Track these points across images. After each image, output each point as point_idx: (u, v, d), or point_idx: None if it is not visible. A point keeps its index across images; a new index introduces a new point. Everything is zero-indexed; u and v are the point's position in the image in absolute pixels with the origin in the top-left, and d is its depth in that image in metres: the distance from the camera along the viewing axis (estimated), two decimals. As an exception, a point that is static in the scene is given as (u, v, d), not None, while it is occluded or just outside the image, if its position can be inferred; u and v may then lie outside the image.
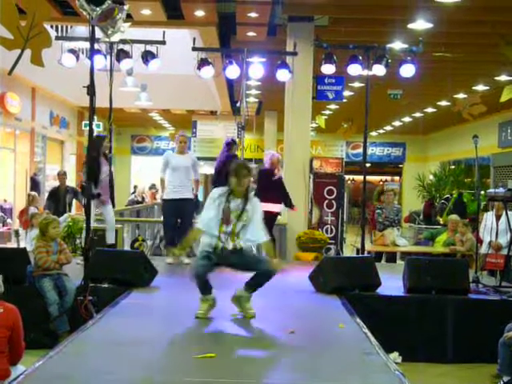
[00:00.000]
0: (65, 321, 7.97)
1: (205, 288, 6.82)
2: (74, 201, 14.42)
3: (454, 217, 13.29)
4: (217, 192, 6.84)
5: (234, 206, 6.73)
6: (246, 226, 6.78)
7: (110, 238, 10.60)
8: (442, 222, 16.96)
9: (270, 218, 11.22)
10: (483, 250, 10.61)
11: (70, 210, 13.76)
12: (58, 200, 13.65)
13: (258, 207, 6.90)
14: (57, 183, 14.48)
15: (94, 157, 10.19)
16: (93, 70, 7.87)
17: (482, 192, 12.27)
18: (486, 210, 12.40)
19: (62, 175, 14.19)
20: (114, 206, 10.93)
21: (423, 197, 24.65)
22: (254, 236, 6.89)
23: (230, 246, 6.74)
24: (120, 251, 10.20)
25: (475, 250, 10.06)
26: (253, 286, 6.92)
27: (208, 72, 12.26)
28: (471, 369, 8.07)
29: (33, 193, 15.92)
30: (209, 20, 13.83)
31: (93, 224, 9.40)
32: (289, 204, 11.66)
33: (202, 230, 6.77)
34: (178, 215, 10.76)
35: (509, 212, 9.77)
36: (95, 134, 11.05)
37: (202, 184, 33.94)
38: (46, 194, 21.16)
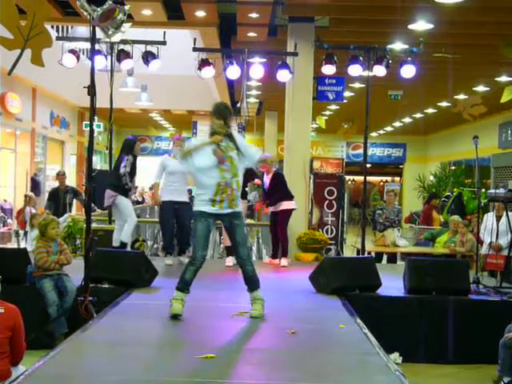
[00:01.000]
0: (63, 322, 7.96)
1: (189, 283, 6.83)
2: (75, 201, 14.42)
3: (456, 217, 13.28)
4: (196, 141, 7.15)
5: (223, 145, 6.80)
6: (240, 156, 6.82)
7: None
8: (442, 220, 16.93)
9: (287, 216, 11.35)
10: (483, 250, 10.61)
11: (70, 211, 13.76)
12: (58, 200, 13.65)
13: (239, 137, 7.11)
14: (57, 183, 14.47)
15: (135, 157, 10.61)
16: (93, 71, 7.87)
17: (483, 190, 12.28)
18: (486, 211, 12.40)
19: (61, 175, 14.19)
20: None
21: (423, 198, 24.67)
22: (249, 159, 6.98)
23: (234, 186, 6.75)
24: (120, 251, 10.18)
25: (476, 251, 10.07)
26: (247, 283, 7.00)
27: (208, 72, 12.27)
28: (472, 370, 8.06)
29: (30, 193, 15.92)
30: (209, 20, 13.82)
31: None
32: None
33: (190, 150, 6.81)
34: (176, 217, 10.77)
35: (509, 213, 9.76)
36: (127, 137, 11.33)
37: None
38: (47, 195, 21.19)
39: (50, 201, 13.93)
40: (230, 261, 10.86)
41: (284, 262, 11.19)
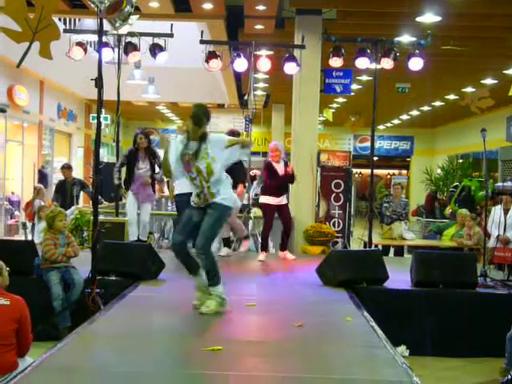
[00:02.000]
0: (67, 316, 7.96)
1: (188, 267, 6.81)
2: (82, 193, 14.43)
3: (464, 211, 13.26)
4: (174, 142, 6.78)
5: (190, 148, 6.63)
6: (212, 164, 6.58)
7: (143, 235, 11.14)
8: (449, 210, 16.88)
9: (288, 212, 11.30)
10: (491, 243, 10.59)
11: (77, 203, 13.77)
12: (65, 192, 13.65)
13: (218, 141, 6.69)
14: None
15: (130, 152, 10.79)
16: (101, 63, 7.87)
17: (491, 181, 12.25)
18: (494, 203, 12.38)
19: (65, 169, 14.15)
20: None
21: (431, 190, 24.65)
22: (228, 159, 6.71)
23: (205, 190, 6.64)
24: (127, 244, 10.21)
25: (483, 244, 10.05)
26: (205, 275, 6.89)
27: (216, 65, 12.27)
28: (479, 363, 8.05)
29: (39, 185, 15.91)
30: (217, 13, 13.80)
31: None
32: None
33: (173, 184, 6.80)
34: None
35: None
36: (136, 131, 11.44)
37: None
38: (54, 187, 21.17)
39: (57, 193, 13.94)
40: (224, 251, 11.05)
41: (291, 255, 11.23)
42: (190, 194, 10.49)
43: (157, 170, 11.23)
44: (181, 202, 10.71)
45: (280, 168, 10.96)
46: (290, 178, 11.11)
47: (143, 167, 11.03)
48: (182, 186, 10.66)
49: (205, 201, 6.68)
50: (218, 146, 6.65)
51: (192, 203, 6.80)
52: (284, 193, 11.13)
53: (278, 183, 10.91)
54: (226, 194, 6.74)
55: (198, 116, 6.65)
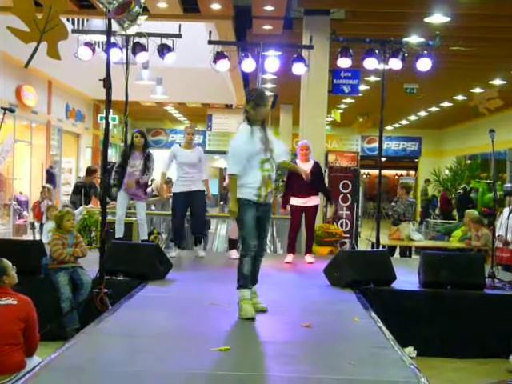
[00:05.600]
0: (75, 318, 7.94)
1: (249, 277, 6.65)
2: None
3: (472, 212, 13.23)
4: (245, 129, 6.60)
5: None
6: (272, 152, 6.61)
7: (142, 234, 10.85)
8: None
9: (317, 210, 11.08)
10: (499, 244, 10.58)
11: (86, 203, 13.79)
12: (86, 194, 13.69)
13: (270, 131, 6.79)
14: (82, 178, 14.45)
15: (124, 150, 10.74)
16: (109, 63, 7.88)
17: (499, 183, 12.24)
18: (502, 205, 12.35)
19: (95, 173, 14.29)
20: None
21: (439, 191, 24.62)
22: (278, 158, 6.71)
23: (272, 177, 6.60)
24: (135, 244, 10.22)
25: (491, 245, 10.03)
26: (254, 277, 6.81)
27: (224, 65, 12.27)
28: (486, 364, 8.03)
29: (48, 185, 15.96)
30: (225, 13, 13.82)
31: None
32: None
33: (236, 175, 6.52)
34: (188, 207, 10.77)
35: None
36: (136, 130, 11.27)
37: (216, 177, 33.90)
38: (62, 187, 21.25)
39: (76, 195, 13.86)
40: (234, 254, 10.76)
41: (310, 258, 10.88)
42: (185, 193, 10.59)
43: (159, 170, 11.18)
44: (174, 200, 10.79)
45: (307, 168, 10.44)
46: (315, 177, 10.48)
47: (135, 166, 10.62)
48: (177, 185, 10.73)
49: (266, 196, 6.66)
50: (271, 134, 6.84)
51: (249, 197, 6.59)
52: (311, 194, 10.70)
53: (301, 183, 10.33)
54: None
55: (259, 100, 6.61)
